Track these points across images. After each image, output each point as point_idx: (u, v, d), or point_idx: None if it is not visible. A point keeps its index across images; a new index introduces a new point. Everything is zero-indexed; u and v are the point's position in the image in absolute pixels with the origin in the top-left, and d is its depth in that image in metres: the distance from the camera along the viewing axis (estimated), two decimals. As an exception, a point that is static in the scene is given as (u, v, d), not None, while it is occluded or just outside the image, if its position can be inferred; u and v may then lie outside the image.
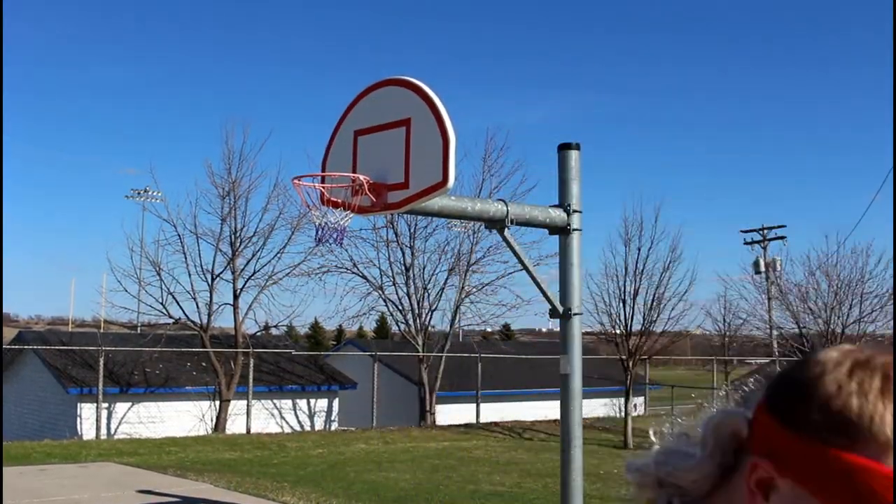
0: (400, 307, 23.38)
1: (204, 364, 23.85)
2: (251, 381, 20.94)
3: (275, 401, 25.23)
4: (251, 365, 21.04)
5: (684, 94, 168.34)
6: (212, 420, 22.65)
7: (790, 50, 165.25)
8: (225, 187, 21.64)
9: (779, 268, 41.09)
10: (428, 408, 23.04)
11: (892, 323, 35.02)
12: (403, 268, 23.03)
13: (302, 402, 25.97)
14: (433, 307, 23.38)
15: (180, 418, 23.37)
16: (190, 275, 21.53)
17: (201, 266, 21.55)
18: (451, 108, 5.73)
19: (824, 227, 76.89)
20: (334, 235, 6.02)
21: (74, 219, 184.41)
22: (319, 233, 6.08)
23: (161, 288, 21.40)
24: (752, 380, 0.97)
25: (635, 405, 25.82)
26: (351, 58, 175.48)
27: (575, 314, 6.70)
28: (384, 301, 23.50)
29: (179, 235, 21.49)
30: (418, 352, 23.06)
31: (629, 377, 19.75)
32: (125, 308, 23.00)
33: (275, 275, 22.12)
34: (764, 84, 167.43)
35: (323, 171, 6.45)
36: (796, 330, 35.36)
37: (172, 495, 9.70)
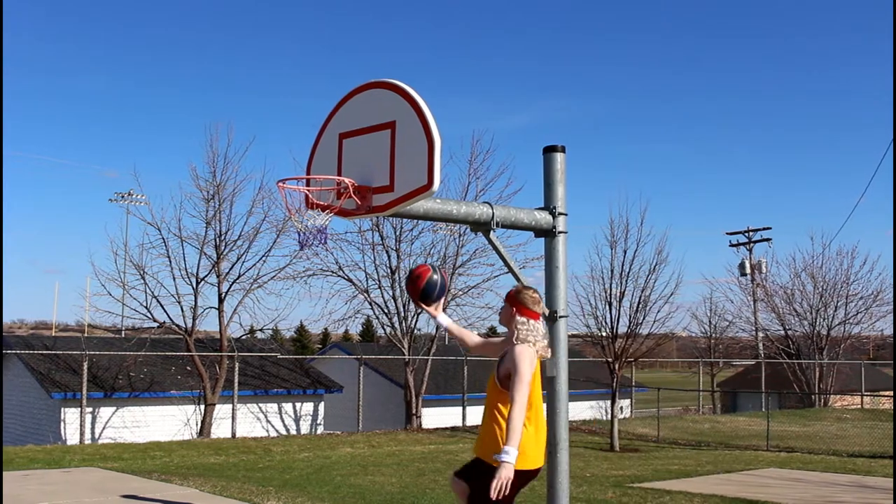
0: (385, 310, 23.34)
1: (188, 368, 23.76)
2: (236, 384, 20.86)
3: (260, 405, 25.15)
4: (236, 369, 20.95)
5: (669, 96, 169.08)
6: (197, 424, 22.56)
7: (774, 50, 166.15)
8: (209, 190, 21.57)
9: (764, 270, 41.28)
10: (414, 411, 23.01)
11: (876, 325, 35.20)
12: (389, 271, 23.00)
13: (287, 406, 25.90)
14: (419, 310, 23.34)
15: (165, 423, 23.27)
16: (174, 278, 21.43)
17: (186, 270, 21.46)
18: (436, 112, 5.70)
19: (810, 228, 77.36)
20: (318, 238, 5.98)
21: (58, 222, 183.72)
22: (301, 237, 6.03)
23: (145, 292, 21.29)
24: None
25: (621, 407, 25.87)
26: (336, 60, 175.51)
27: (561, 317, 6.68)
28: (370, 304, 23.47)
29: (164, 239, 21.39)
30: (404, 355, 23.02)
31: (615, 380, 19.76)
32: (109, 312, 22.81)
33: (260, 278, 22.06)
34: (748, 84, 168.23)
35: (308, 173, 6.41)
36: (782, 332, 35.52)
37: (157, 500, 9.63)
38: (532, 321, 5.11)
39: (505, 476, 4.63)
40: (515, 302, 5.21)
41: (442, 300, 5.62)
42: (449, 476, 5.72)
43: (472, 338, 5.75)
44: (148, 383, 23.64)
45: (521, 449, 4.78)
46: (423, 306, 5.61)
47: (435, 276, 5.56)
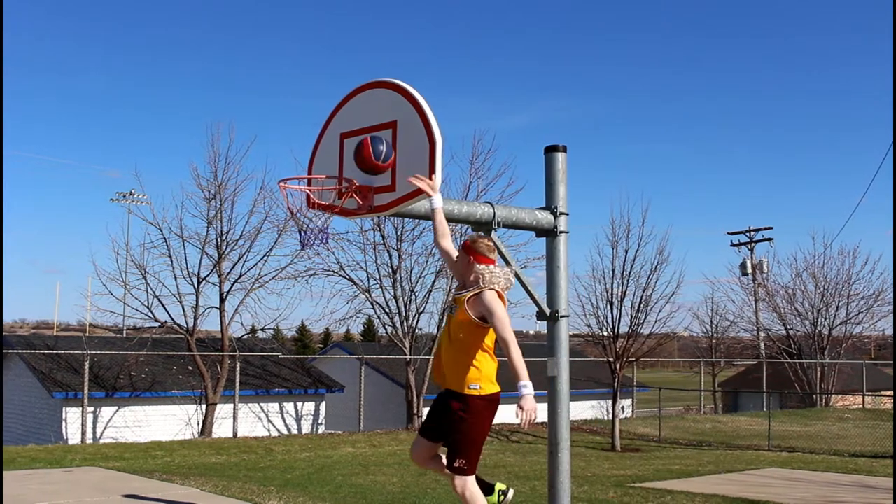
0: (387, 310, 23.33)
1: (190, 368, 23.76)
2: (237, 384, 20.86)
3: (261, 404, 25.15)
4: (237, 368, 20.95)
5: (670, 96, 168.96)
6: (198, 424, 22.56)
7: (776, 50, 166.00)
8: (211, 190, 21.57)
9: (766, 269, 41.26)
10: (415, 411, 23.01)
11: (878, 325, 35.17)
12: (390, 270, 22.99)
13: (289, 406, 25.90)
14: (420, 310, 23.34)
15: (166, 422, 23.27)
16: (176, 278, 21.42)
17: (187, 269, 21.46)
18: (437, 112, 5.70)
19: (811, 228, 77.28)
20: (319, 237, 5.98)
21: (59, 222, 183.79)
22: (303, 237, 6.02)
23: (146, 291, 21.28)
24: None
25: (623, 407, 25.86)
26: (337, 60, 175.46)
27: (562, 316, 6.67)
28: (371, 304, 23.45)
29: (165, 238, 21.38)
30: (405, 355, 23.01)
31: (616, 379, 19.76)
32: (110, 312, 22.82)
33: (261, 278, 22.06)
34: (750, 84, 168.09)
35: (309, 173, 6.40)
36: (783, 332, 35.50)
37: (159, 500, 9.63)
38: (491, 266, 5.57)
39: (532, 406, 5.16)
40: (472, 251, 5.66)
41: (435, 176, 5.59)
42: (413, 448, 5.91)
43: (446, 241, 5.83)
44: (149, 383, 23.64)
45: (488, 377, 5.51)
46: (418, 180, 5.56)
47: (381, 146, 5.72)
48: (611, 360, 19.55)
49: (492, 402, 5.52)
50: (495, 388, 5.57)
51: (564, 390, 6.66)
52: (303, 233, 6.02)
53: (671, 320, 21.41)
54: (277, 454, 16.25)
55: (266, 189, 21.97)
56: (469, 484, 5.53)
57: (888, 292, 33.22)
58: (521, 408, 5.17)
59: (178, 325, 21.56)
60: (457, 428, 5.50)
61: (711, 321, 39.08)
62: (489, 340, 5.54)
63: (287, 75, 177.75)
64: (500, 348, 5.43)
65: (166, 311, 21.45)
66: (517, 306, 26.27)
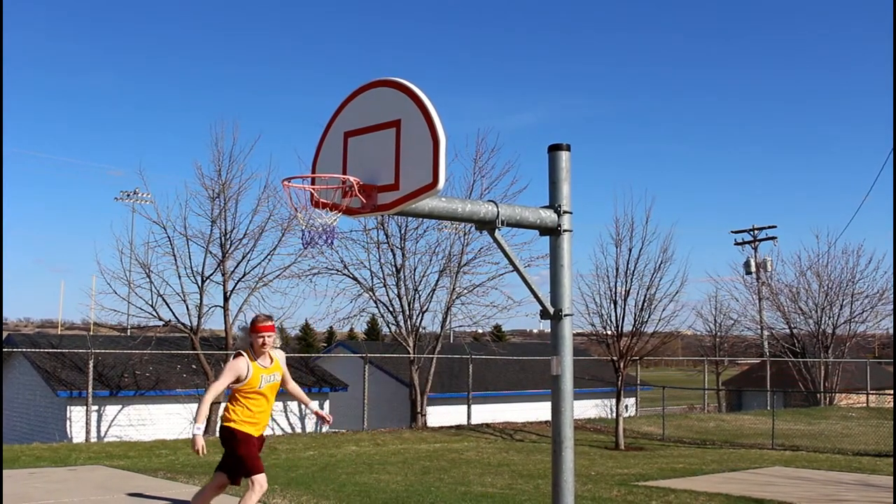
0: (391, 309, 23.35)
1: (194, 366, 23.78)
2: (242, 383, 20.83)
3: (265, 403, 25.14)
4: (242, 367, 20.92)
5: (674, 95, 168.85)
6: (202, 422, 22.56)
7: (782, 49, 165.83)
8: (215, 189, 21.58)
9: (769, 268, 41.25)
10: (419, 409, 23.02)
11: (882, 323, 35.14)
12: (394, 269, 23.00)
13: (292, 404, 25.93)
14: (424, 309, 23.35)
15: (170, 421, 23.30)
16: (180, 277, 21.46)
17: (191, 268, 21.49)
18: (442, 110, 5.70)
19: (815, 226, 77.11)
20: (323, 237, 5.97)
21: (64, 221, 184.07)
22: (307, 236, 6.01)
23: (151, 290, 21.31)
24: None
25: (626, 406, 25.87)
26: (342, 59, 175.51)
27: (566, 315, 6.67)
28: (375, 303, 23.48)
29: (169, 237, 21.42)
30: (409, 353, 23.02)
31: (620, 378, 19.75)
32: (115, 311, 22.88)
33: (265, 276, 22.06)
34: (754, 82, 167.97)
35: (313, 172, 6.40)
36: (787, 330, 35.47)
37: (163, 498, 9.66)
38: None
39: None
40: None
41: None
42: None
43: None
44: (153, 381, 23.67)
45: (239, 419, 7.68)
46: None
47: None
48: (614, 358, 19.55)
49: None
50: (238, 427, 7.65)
51: (568, 389, 6.67)
52: (306, 232, 6.01)
53: (675, 319, 21.42)
54: (281, 453, 16.26)
55: (270, 188, 22.00)
56: None
57: (892, 291, 33.21)
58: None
59: (182, 323, 21.59)
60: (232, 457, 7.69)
61: (715, 320, 39.11)
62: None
63: (291, 74, 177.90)
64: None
65: (170, 309, 21.50)
66: (521, 305, 26.31)
